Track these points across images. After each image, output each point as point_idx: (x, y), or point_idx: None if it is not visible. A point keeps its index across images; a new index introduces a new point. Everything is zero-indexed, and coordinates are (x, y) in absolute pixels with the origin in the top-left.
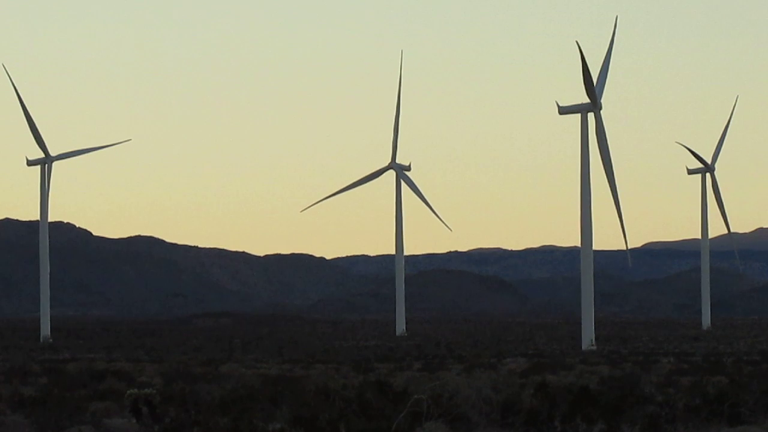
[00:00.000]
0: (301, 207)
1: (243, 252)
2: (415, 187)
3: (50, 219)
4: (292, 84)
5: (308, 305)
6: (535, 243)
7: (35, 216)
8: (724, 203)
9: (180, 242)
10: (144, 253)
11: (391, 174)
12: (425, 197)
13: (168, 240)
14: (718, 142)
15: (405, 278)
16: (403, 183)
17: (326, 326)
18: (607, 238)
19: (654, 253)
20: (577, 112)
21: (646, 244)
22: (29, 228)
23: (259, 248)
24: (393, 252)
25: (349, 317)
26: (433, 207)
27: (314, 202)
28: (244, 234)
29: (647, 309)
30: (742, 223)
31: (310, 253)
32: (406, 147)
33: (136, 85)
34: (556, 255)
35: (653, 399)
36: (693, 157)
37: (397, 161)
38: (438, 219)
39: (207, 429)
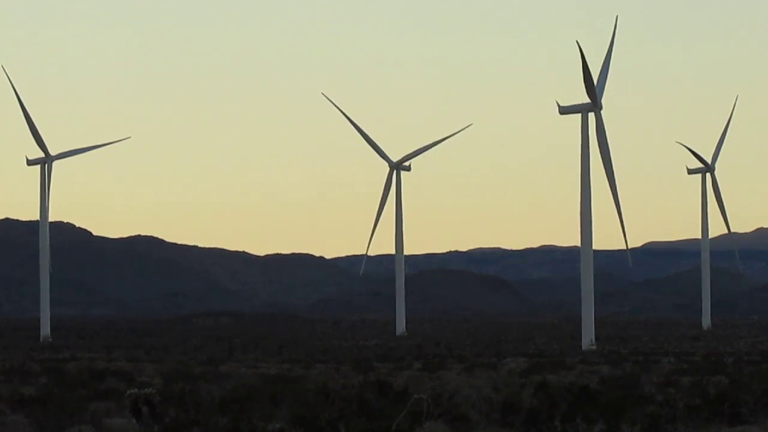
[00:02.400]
0: (299, 208)
1: (243, 252)
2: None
3: (50, 219)
4: (293, 83)
5: (308, 305)
6: (535, 243)
7: (35, 216)
8: (724, 203)
9: (180, 242)
10: (144, 253)
11: (392, 175)
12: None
13: (168, 240)
14: (718, 142)
15: (405, 278)
16: (399, 181)
17: (326, 326)
18: (607, 238)
19: (654, 253)
20: (577, 112)
21: (646, 244)
22: (29, 228)
23: (259, 248)
24: (393, 252)
25: (349, 317)
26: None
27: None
28: (244, 234)
29: (647, 309)
30: (742, 223)
31: (310, 253)
32: (406, 147)
33: (136, 85)
34: (556, 255)
35: (653, 399)
36: (693, 157)
37: (394, 159)
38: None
39: (207, 429)
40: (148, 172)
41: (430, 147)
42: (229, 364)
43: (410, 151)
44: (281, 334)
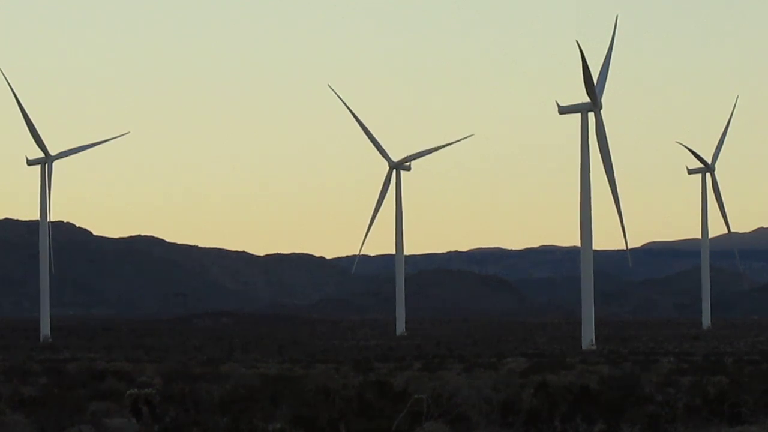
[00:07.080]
0: (299, 208)
1: (243, 252)
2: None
3: (50, 219)
4: (293, 83)
5: (308, 305)
6: (535, 243)
7: (35, 216)
8: (724, 203)
9: (180, 242)
10: (144, 253)
11: (392, 174)
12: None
13: (168, 240)
14: (718, 142)
15: (405, 278)
16: (399, 181)
17: (326, 326)
18: (607, 238)
19: (654, 253)
20: (577, 112)
21: (646, 244)
22: (29, 228)
23: (259, 248)
24: (393, 252)
25: (349, 317)
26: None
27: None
28: (244, 234)
29: (647, 309)
30: (742, 223)
31: (310, 253)
32: (406, 147)
33: (136, 85)
34: (556, 255)
35: (653, 399)
36: (693, 157)
37: (395, 159)
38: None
39: (207, 429)
40: (148, 172)
41: (430, 152)
42: (229, 364)
43: (411, 153)
44: (281, 334)
